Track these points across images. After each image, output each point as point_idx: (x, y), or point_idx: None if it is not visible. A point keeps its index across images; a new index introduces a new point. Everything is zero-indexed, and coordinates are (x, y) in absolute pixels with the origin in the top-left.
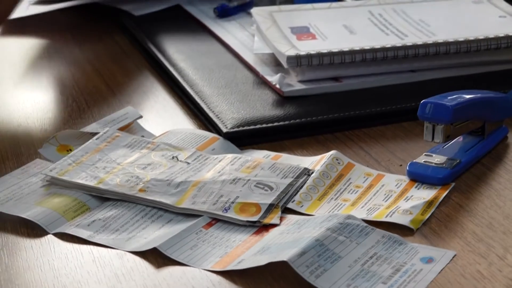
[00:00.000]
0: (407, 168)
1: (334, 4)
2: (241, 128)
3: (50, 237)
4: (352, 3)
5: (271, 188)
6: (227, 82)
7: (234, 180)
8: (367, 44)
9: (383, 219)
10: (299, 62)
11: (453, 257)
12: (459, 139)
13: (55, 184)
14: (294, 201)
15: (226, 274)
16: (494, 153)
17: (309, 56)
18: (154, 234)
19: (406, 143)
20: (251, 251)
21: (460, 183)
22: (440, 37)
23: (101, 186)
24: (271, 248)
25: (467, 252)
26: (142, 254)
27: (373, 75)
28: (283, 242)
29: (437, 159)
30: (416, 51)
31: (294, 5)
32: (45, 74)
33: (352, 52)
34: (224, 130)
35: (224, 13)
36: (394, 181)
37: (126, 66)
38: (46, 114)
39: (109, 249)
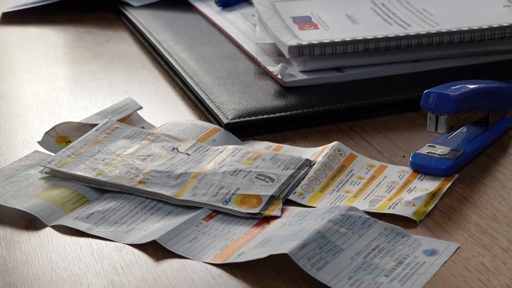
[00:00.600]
0: (410, 159)
1: None
2: (242, 119)
3: (48, 229)
4: None
5: (272, 180)
6: (228, 72)
7: (234, 171)
8: (369, 34)
9: (386, 211)
10: (301, 52)
11: (457, 249)
12: (463, 129)
13: (54, 176)
14: (295, 192)
15: (226, 267)
16: (498, 144)
17: (311, 46)
18: (154, 227)
19: (409, 133)
20: (251, 244)
21: (463, 174)
22: (444, 27)
23: (100, 178)
24: (272, 240)
25: (470, 244)
26: (141, 246)
27: (376, 65)
28: (284, 235)
29: (440, 150)
30: (419, 40)
31: None
32: (44, 64)
33: (354, 42)
34: (225, 121)
35: (225, 3)
36: (397, 172)
37: (126, 57)
38: (45, 105)
39: (108, 242)
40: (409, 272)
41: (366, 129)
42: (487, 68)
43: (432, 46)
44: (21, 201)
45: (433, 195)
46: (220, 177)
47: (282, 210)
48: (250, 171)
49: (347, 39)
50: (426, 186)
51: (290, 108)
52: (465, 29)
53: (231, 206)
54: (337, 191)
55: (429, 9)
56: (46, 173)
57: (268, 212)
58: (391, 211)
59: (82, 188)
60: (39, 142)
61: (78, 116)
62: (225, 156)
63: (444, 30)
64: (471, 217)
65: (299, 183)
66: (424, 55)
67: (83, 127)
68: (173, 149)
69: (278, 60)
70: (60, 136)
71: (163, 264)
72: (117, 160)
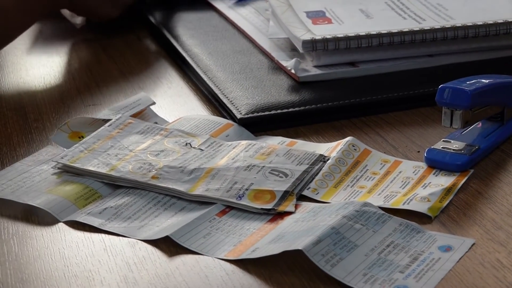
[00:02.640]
0: (425, 154)
1: None
2: (255, 114)
3: (61, 225)
4: None
5: (286, 175)
6: (242, 67)
7: (248, 167)
8: (384, 28)
9: (400, 206)
10: (314, 46)
11: (472, 245)
12: (478, 125)
13: (66, 172)
14: (309, 188)
15: (240, 263)
16: None
17: (324, 41)
18: (167, 222)
19: (424, 129)
20: (265, 240)
21: (479, 170)
22: (458, 21)
23: (113, 173)
24: (286, 236)
25: (486, 240)
26: (154, 242)
27: (390, 59)
28: (298, 230)
29: (455, 145)
30: (434, 35)
31: None
32: (58, 60)
33: (368, 36)
34: (239, 116)
35: None
36: (412, 167)
37: (139, 52)
38: (58, 101)
39: (120, 238)
40: (424, 269)
41: (381, 124)
42: (503, 63)
43: (446, 40)
44: (33, 196)
45: (448, 190)
46: (234, 173)
47: (296, 206)
48: (263, 166)
49: (361, 34)
50: (441, 181)
51: (304, 103)
52: (480, 23)
53: (245, 202)
54: (351, 187)
55: (443, 4)
56: (58, 168)
57: (282, 208)
58: (405, 206)
59: (94, 183)
60: (51, 138)
61: (91, 111)
62: (239, 151)
63: (459, 25)
64: (487, 213)
65: (313, 178)
66: (438, 49)
67: (96, 122)
68: (186, 144)
69: (292, 55)
70: (73, 132)
71: (176, 260)
72: (130, 155)
